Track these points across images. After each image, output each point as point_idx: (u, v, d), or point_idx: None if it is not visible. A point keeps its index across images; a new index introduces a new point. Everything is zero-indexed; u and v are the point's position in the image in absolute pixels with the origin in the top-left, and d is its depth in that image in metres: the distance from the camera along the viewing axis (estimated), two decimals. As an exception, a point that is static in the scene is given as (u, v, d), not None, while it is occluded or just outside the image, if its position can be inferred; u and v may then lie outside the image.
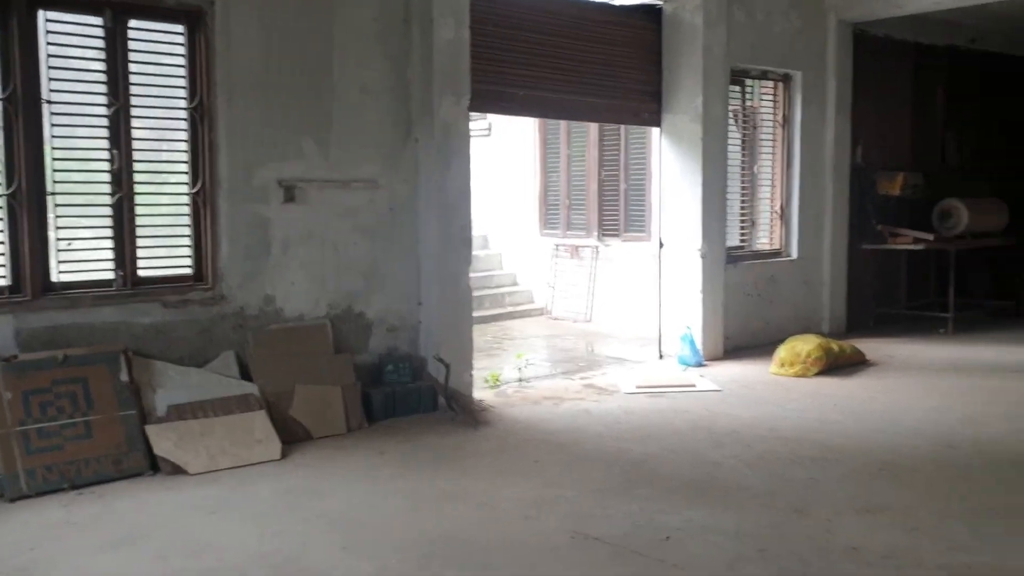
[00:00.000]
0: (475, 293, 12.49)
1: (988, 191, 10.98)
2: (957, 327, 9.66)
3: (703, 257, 8.23)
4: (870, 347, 8.64)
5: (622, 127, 11.14)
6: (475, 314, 12.07)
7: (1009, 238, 10.82)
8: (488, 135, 13.01)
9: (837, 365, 7.75)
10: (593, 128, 11.49)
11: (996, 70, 11.55)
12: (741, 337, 8.76)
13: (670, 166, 8.42)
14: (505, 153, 12.73)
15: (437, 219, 6.58)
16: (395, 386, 6.50)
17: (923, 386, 7.25)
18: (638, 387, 7.20)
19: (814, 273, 9.52)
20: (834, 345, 7.82)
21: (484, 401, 6.86)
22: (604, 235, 11.49)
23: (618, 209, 11.32)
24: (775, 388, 7.21)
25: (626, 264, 11.17)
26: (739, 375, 7.71)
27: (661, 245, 8.54)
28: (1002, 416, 6.26)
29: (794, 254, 9.37)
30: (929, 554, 3.96)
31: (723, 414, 6.42)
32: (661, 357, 8.58)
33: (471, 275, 6.99)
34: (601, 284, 11.50)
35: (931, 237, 9.57)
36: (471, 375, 6.80)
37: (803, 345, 7.70)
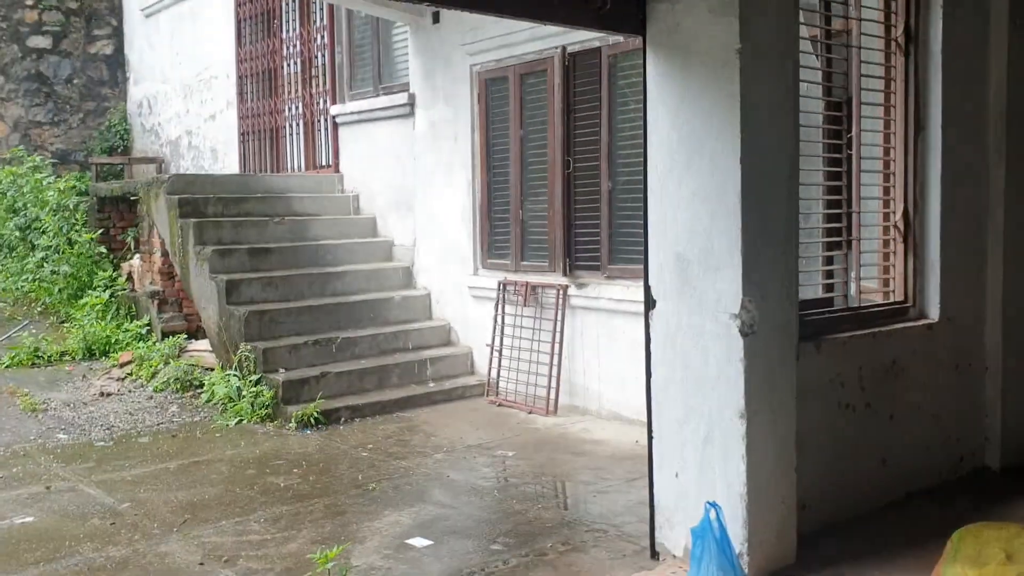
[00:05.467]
0: (377, 361, 7.43)
1: None
2: None
3: (747, 332, 3.53)
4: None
5: (603, 74, 6.52)
6: (369, 400, 7.07)
7: None
8: (409, 115, 8.42)
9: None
10: (556, 82, 6.86)
11: None
12: (832, 499, 4.03)
13: (665, 122, 3.76)
14: (434, 141, 8.12)
15: None
16: None
17: None
18: None
19: (971, 348, 4.75)
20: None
21: None
22: (576, 267, 6.84)
23: (598, 224, 6.65)
24: None
25: (612, 315, 6.50)
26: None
27: (652, 303, 3.86)
28: None
29: (933, 312, 4.59)
30: None
31: None
32: (655, 555, 3.88)
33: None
34: (573, 347, 6.83)
35: None
36: None
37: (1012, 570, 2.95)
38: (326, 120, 9.63)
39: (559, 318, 6.78)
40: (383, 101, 8.73)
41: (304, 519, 4.72)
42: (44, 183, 9.93)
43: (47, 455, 6.00)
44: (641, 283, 6.22)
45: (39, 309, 9.41)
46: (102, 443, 6.30)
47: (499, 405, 7.09)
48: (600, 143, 6.58)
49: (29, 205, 9.91)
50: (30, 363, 8.29)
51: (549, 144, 6.97)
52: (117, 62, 13.69)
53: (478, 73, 7.58)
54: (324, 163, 9.75)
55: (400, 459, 5.78)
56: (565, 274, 6.83)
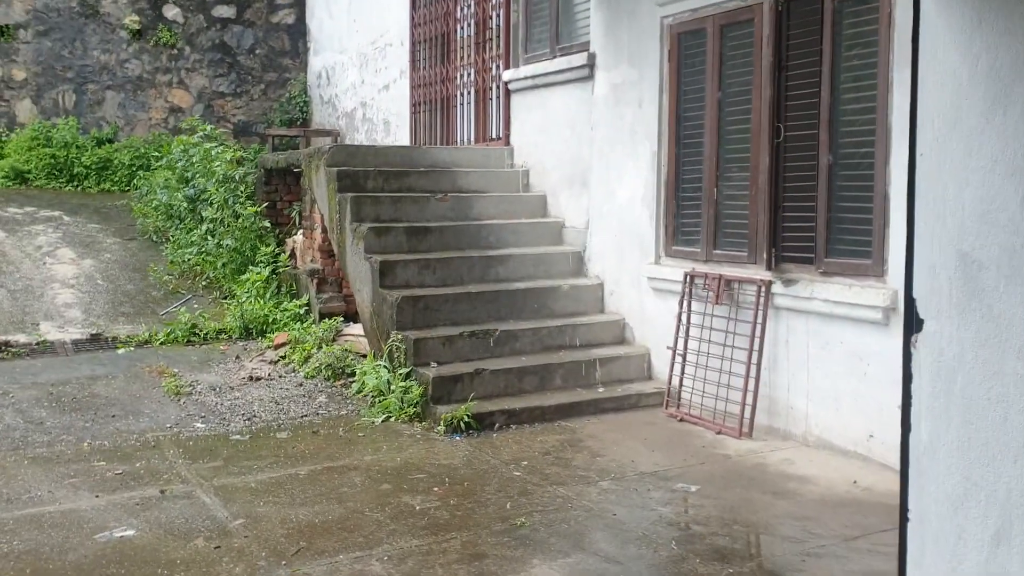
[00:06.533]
0: (539, 359, 6.04)
1: None
2: None
3: (1077, 378, 2.29)
4: None
5: (824, 22, 5.24)
6: (528, 404, 5.72)
7: None
8: (587, 78, 7.39)
9: None
10: (765, 33, 5.62)
11: None
12: None
13: (949, 57, 2.53)
14: (615, 108, 7.06)
15: None
16: None
17: None
18: None
19: None
20: None
21: None
22: (782, 260, 5.60)
23: (813, 207, 5.38)
24: None
25: (828, 320, 5.24)
26: None
27: (918, 324, 2.65)
28: None
29: None
30: None
31: None
32: None
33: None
34: (775, 356, 5.62)
35: None
36: None
37: None
38: (498, 88, 8.76)
39: (759, 320, 5.58)
40: (560, 63, 7.74)
41: (435, 561, 3.86)
42: (213, 153, 9.66)
43: (177, 447, 5.49)
44: (867, 282, 4.95)
45: (203, 283, 9.15)
46: (237, 436, 5.74)
47: (680, 420, 5.99)
48: (819, 107, 5.30)
49: (198, 176, 9.69)
50: (185, 340, 7.98)
51: (753, 109, 5.75)
52: (298, 32, 13.48)
53: (669, 26, 6.44)
54: (495, 135, 8.91)
55: (558, 484, 4.82)
56: (768, 267, 5.61)
